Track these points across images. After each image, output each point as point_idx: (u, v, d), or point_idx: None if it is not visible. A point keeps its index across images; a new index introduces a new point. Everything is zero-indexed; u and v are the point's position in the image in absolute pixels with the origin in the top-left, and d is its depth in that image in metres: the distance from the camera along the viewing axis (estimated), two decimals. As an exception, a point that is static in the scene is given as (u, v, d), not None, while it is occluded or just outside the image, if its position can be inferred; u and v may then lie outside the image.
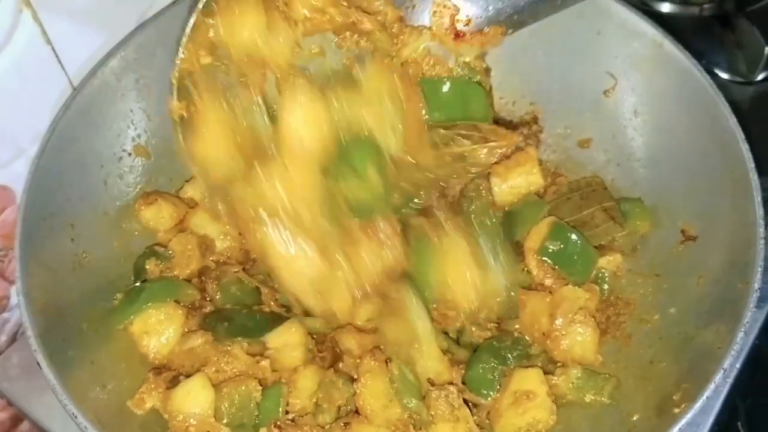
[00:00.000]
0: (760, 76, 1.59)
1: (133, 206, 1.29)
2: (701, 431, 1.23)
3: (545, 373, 1.15)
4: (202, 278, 1.25)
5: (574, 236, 1.21)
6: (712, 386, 0.96)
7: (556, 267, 1.22)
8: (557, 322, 1.16)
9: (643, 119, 1.30)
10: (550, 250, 1.22)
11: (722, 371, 0.97)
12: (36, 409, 1.32)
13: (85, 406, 0.99)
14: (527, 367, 1.15)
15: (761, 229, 1.08)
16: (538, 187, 1.32)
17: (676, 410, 0.98)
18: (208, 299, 1.23)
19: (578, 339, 1.16)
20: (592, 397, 1.14)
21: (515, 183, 1.30)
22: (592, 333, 1.17)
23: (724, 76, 1.61)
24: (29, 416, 1.33)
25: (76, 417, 0.97)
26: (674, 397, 1.01)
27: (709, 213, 1.18)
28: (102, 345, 1.14)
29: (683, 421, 0.95)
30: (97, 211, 1.24)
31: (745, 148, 1.13)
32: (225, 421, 1.09)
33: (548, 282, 1.22)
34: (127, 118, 1.30)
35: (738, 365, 1.26)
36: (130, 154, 1.30)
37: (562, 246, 1.21)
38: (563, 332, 1.16)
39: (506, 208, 1.30)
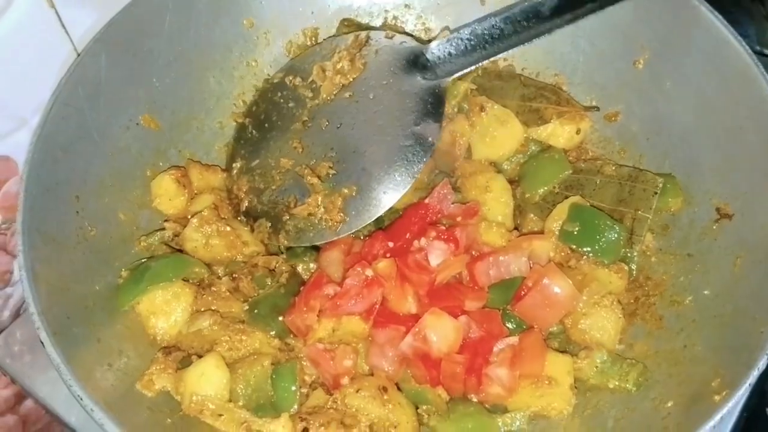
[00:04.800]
0: (790, 50, 1.53)
1: (142, 179, 1.24)
2: (730, 416, 1.19)
3: (562, 352, 1.12)
4: (234, 275, 1.19)
5: (596, 219, 1.16)
6: (755, 372, 0.91)
7: (581, 249, 1.17)
8: (581, 299, 1.12)
9: (676, 91, 1.24)
10: (571, 233, 1.17)
11: (766, 356, 0.92)
12: (40, 387, 1.27)
13: (91, 386, 0.94)
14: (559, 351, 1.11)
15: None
16: (572, 146, 1.33)
17: (716, 397, 0.93)
18: (243, 301, 1.18)
19: (599, 323, 1.12)
20: (616, 383, 1.09)
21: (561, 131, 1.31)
22: (615, 321, 1.13)
23: (753, 48, 1.54)
24: (32, 394, 1.28)
25: (81, 399, 0.92)
26: (712, 384, 0.96)
27: (745, 190, 1.12)
28: (108, 322, 1.09)
29: (725, 410, 0.90)
30: (104, 183, 1.18)
31: (785, 122, 1.07)
32: (241, 403, 1.05)
33: (572, 263, 1.17)
34: (134, 87, 1.24)
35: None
36: (137, 124, 1.25)
37: (582, 228, 1.16)
38: (584, 311, 1.12)
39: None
